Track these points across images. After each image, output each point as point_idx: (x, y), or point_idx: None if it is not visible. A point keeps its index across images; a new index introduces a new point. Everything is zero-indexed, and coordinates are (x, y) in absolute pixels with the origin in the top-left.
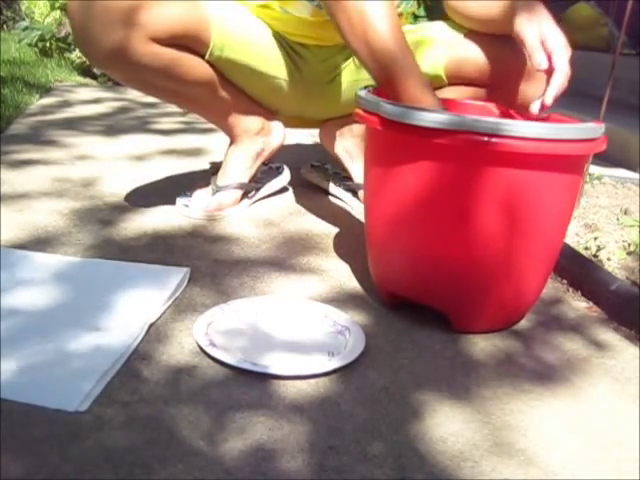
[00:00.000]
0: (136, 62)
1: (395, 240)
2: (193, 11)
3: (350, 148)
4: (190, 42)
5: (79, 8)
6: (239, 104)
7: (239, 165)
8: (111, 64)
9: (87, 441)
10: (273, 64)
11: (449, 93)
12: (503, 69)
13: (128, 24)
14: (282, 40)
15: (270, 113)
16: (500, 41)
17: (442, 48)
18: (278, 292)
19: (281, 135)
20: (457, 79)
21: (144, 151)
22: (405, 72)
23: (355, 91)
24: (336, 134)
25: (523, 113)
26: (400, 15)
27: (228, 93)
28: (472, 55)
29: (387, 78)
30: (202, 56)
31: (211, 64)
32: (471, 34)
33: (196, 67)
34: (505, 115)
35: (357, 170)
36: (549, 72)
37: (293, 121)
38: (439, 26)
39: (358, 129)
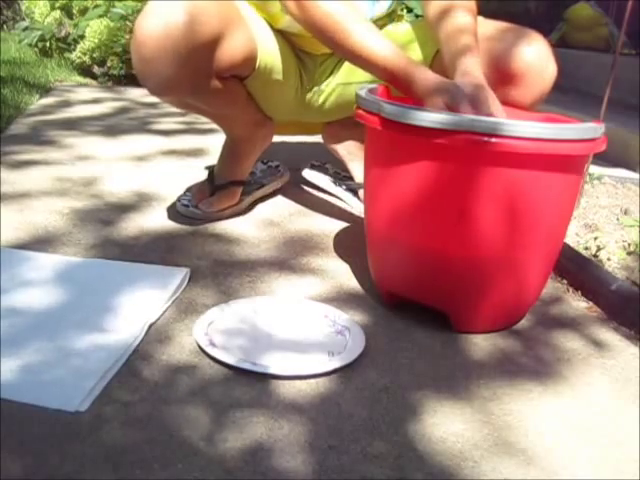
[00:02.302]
0: (194, 95)
1: (395, 240)
2: (249, 39)
3: (352, 148)
4: (241, 69)
5: (152, 36)
6: (247, 108)
7: (236, 163)
8: (169, 95)
9: (87, 441)
10: (290, 76)
11: None
12: (496, 65)
13: (197, 63)
14: (291, 47)
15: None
16: (488, 44)
17: (432, 43)
18: (278, 292)
19: (272, 132)
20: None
21: (144, 151)
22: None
23: (352, 92)
24: (339, 134)
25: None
26: (392, 14)
27: (248, 104)
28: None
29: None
30: (242, 78)
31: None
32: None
33: (237, 90)
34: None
35: (359, 170)
36: None
37: (294, 128)
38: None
39: (360, 129)
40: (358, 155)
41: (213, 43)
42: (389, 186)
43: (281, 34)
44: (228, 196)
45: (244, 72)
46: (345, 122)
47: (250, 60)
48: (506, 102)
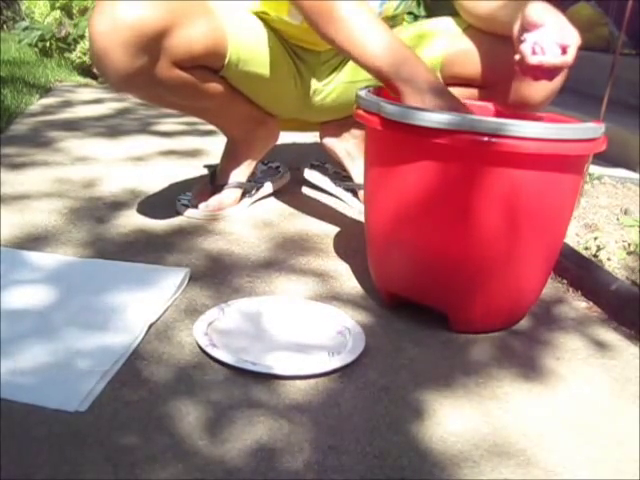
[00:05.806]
0: (156, 86)
1: (395, 240)
2: (213, 31)
3: (350, 148)
4: (207, 61)
5: (102, 33)
6: (240, 107)
7: (238, 164)
8: (131, 88)
9: (87, 441)
10: (279, 70)
11: None
12: (501, 66)
13: (152, 51)
14: (285, 43)
15: (267, 113)
16: (500, 39)
17: (441, 41)
18: (278, 292)
19: (276, 132)
20: (453, 76)
21: (144, 152)
22: (406, 79)
23: (353, 92)
24: (336, 135)
25: (520, 112)
26: (395, 17)
27: (232, 99)
28: (470, 49)
29: (389, 83)
30: (216, 69)
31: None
32: (472, 30)
33: (210, 83)
34: (502, 114)
35: (357, 170)
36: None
37: (291, 124)
38: (444, 21)
39: (358, 130)
40: (356, 156)
41: (163, 36)
42: (389, 186)
43: (277, 31)
44: (228, 196)
45: (212, 63)
46: (344, 122)
47: (216, 52)
48: (516, 100)
